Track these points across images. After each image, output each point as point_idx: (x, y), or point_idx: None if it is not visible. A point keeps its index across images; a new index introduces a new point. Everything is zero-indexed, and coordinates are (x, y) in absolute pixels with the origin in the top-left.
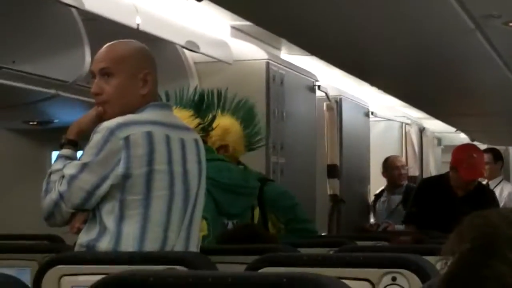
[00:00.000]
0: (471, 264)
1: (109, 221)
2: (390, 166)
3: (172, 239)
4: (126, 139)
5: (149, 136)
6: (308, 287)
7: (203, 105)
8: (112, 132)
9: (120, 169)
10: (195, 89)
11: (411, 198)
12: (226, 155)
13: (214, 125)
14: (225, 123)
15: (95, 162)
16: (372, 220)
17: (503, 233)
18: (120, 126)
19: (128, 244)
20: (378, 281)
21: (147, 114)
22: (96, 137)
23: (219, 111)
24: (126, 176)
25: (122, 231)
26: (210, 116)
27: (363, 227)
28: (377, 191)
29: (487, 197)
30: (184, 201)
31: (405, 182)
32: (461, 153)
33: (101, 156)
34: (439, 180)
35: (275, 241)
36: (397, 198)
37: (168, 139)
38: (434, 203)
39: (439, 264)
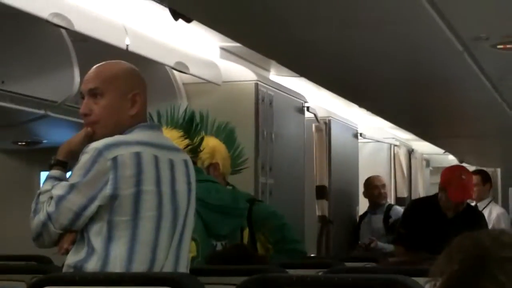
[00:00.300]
0: (461, 284)
1: (97, 242)
2: (369, 186)
3: (160, 260)
4: (114, 159)
5: (138, 157)
6: None
7: (192, 126)
8: (100, 152)
9: (107, 190)
10: (186, 109)
11: (399, 218)
12: (216, 175)
13: (202, 145)
14: (212, 142)
15: (83, 183)
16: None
17: (493, 254)
18: (108, 146)
19: (116, 265)
20: None
21: (136, 135)
22: (84, 158)
23: (203, 133)
24: (113, 197)
25: (110, 252)
26: (199, 137)
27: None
28: (361, 213)
29: (477, 219)
30: (173, 222)
31: (385, 202)
32: (450, 174)
33: (89, 177)
34: (429, 201)
35: (265, 262)
36: (379, 217)
37: (156, 160)
38: (423, 224)
39: (428, 285)
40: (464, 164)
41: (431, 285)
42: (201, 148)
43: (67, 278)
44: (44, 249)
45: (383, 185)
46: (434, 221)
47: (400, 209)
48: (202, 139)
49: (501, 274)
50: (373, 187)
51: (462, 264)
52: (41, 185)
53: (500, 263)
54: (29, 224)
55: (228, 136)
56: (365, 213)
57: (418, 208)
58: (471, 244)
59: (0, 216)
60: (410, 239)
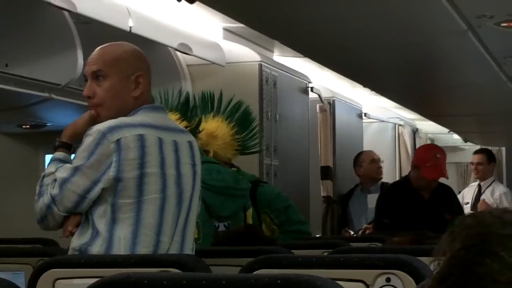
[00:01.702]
0: (463, 262)
1: (101, 224)
2: (366, 160)
3: (165, 242)
4: (118, 142)
5: (141, 139)
6: None
7: (189, 108)
8: (103, 135)
9: (111, 173)
10: (179, 91)
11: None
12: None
13: (200, 128)
14: (210, 127)
15: (86, 166)
16: (346, 228)
17: (495, 232)
18: (111, 129)
19: (120, 248)
20: (373, 282)
21: (140, 117)
22: (88, 140)
23: (211, 115)
24: (117, 180)
25: (114, 235)
26: (196, 119)
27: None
28: (346, 192)
29: (449, 194)
30: (178, 204)
31: (382, 177)
32: (425, 152)
33: (93, 160)
34: (401, 185)
35: (273, 243)
36: (374, 197)
37: (160, 141)
38: (401, 209)
39: (432, 264)
40: (468, 143)
41: (435, 264)
42: (200, 129)
43: (73, 261)
44: (50, 231)
45: (379, 159)
46: (411, 204)
47: None
48: (200, 121)
49: (503, 251)
50: (371, 160)
51: (464, 242)
52: (45, 168)
53: (502, 241)
54: (34, 206)
55: (243, 115)
56: (351, 192)
57: (393, 194)
58: (473, 222)
59: (6, 199)
60: (391, 227)
